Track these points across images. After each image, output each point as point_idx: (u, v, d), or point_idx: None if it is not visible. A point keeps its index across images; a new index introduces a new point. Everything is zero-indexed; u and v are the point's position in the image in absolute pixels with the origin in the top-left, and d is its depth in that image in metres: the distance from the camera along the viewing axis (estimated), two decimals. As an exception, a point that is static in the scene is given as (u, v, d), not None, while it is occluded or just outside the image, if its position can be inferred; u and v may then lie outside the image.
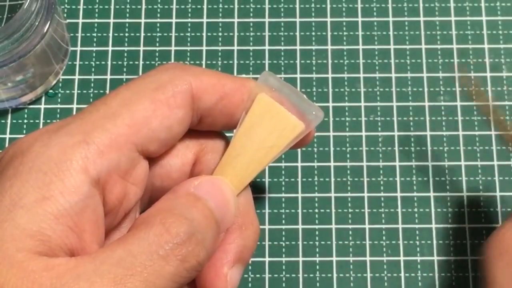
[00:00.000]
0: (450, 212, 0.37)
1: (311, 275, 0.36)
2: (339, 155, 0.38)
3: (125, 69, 0.40)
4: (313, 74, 0.40)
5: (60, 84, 0.40)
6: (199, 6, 0.41)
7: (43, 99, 0.39)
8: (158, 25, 0.41)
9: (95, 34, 0.41)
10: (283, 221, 0.37)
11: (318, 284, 0.36)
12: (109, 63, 0.40)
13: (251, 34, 0.41)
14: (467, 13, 0.41)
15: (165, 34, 0.41)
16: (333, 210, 0.37)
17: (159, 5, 0.41)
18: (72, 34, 0.41)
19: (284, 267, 0.37)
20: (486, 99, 0.27)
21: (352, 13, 0.41)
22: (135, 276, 0.22)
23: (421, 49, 0.40)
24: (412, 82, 0.40)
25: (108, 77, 0.40)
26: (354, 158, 0.38)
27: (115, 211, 0.26)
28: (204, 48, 0.40)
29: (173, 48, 0.40)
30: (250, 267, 0.36)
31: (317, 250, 0.37)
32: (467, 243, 0.37)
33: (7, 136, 0.39)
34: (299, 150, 0.38)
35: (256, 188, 0.38)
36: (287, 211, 0.37)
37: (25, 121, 0.39)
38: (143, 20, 0.41)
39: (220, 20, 0.41)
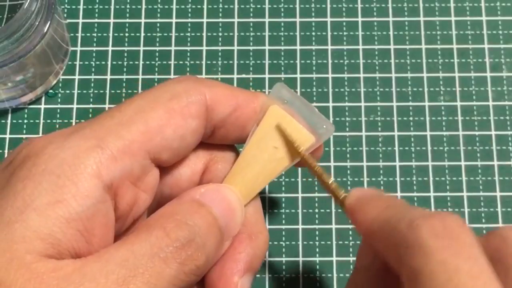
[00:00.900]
0: (450, 212, 0.37)
1: (311, 275, 0.36)
2: (339, 155, 0.38)
3: (125, 69, 0.40)
4: (313, 74, 0.40)
5: (60, 84, 0.40)
6: (199, 6, 0.41)
7: (43, 99, 0.39)
8: (158, 25, 0.41)
9: (95, 34, 0.41)
10: (283, 221, 0.37)
11: (318, 284, 0.36)
12: (109, 63, 0.40)
13: (251, 34, 0.41)
14: (467, 13, 0.41)
15: (165, 34, 0.41)
16: (333, 210, 0.37)
17: (159, 5, 0.41)
18: (72, 34, 0.41)
19: (284, 266, 0.37)
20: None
21: (352, 13, 0.41)
22: (138, 277, 0.23)
23: (421, 49, 0.40)
24: (412, 82, 0.40)
25: (108, 77, 0.40)
26: (354, 158, 0.38)
27: (124, 217, 0.26)
28: (204, 48, 0.40)
29: (173, 48, 0.40)
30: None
31: (317, 250, 0.37)
32: (467, 243, 0.37)
33: (7, 136, 0.39)
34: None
35: (256, 188, 0.38)
36: (287, 211, 0.37)
37: (25, 121, 0.39)
38: (143, 20, 0.41)
39: (220, 20, 0.41)
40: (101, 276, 0.22)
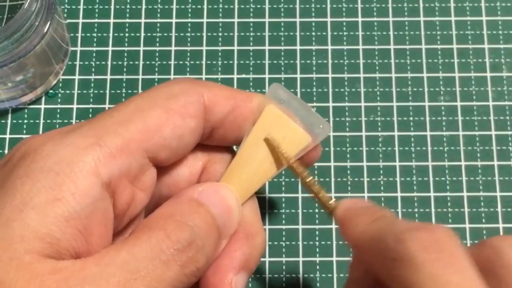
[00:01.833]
0: (449, 212, 0.37)
1: (311, 275, 0.36)
2: (339, 155, 0.38)
3: (125, 69, 0.40)
4: (313, 74, 0.40)
5: (60, 84, 0.40)
6: (199, 6, 0.41)
7: (43, 99, 0.39)
8: (158, 25, 0.41)
9: (95, 34, 0.41)
10: (283, 221, 0.37)
11: (318, 284, 0.36)
12: (109, 63, 0.40)
13: (251, 34, 0.41)
14: (467, 13, 0.41)
15: (165, 34, 0.41)
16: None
17: (159, 5, 0.41)
18: (72, 34, 0.41)
19: (284, 267, 0.37)
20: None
21: (352, 13, 0.41)
22: (139, 280, 0.23)
23: (421, 49, 0.40)
24: (412, 82, 0.40)
25: (108, 77, 0.40)
26: (354, 158, 0.38)
27: (121, 216, 0.26)
28: (204, 48, 0.40)
29: (173, 48, 0.40)
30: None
31: (317, 250, 0.37)
32: (467, 243, 0.37)
33: (7, 136, 0.39)
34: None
35: (256, 188, 0.38)
36: (287, 211, 0.37)
37: (25, 121, 0.39)
38: (143, 20, 0.41)
39: (220, 20, 0.41)
40: (101, 279, 0.22)
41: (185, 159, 0.29)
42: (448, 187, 0.38)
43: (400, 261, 0.22)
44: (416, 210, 0.37)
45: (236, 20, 0.41)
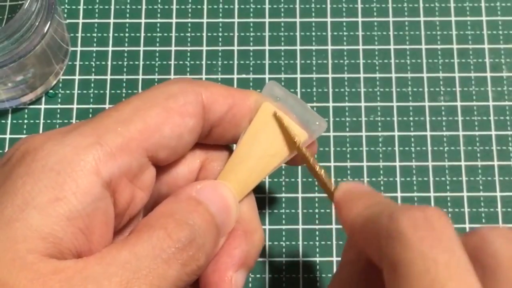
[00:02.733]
0: (450, 212, 0.37)
1: (311, 275, 0.36)
2: (339, 155, 0.38)
3: (125, 69, 0.40)
4: (313, 74, 0.40)
5: (60, 84, 0.40)
6: (199, 6, 0.41)
7: (43, 99, 0.39)
8: (158, 25, 0.41)
9: (95, 34, 0.41)
10: (283, 221, 0.37)
11: (318, 284, 0.36)
12: (109, 63, 0.40)
13: (251, 34, 0.41)
14: (467, 13, 0.41)
15: (165, 34, 0.41)
16: (333, 210, 0.37)
17: (159, 5, 0.41)
18: (72, 34, 0.41)
19: (284, 267, 0.37)
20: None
21: (352, 13, 0.41)
22: (141, 280, 0.23)
23: (421, 49, 0.40)
24: (412, 82, 0.40)
25: (108, 77, 0.40)
26: (354, 158, 0.38)
27: (121, 214, 0.26)
28: (204, 48, 0.40)
29: (173, 48, 0.40)
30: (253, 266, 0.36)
31: (317, 250, 0.37)
32: (467, 243, 0.37)
33: (7, 136, 0.39)
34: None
35: (256, 188, 0.38)
36: (287, 211, 0.37)
37: (25, 121, 0.39)
38: (143, 20, 0.41)
39: (220, 20, 0.41)
40: (104, 278, 0.22)
41: (184, 157, 0.29)
42: (448, 187, 0.38)
43: (391, 238, 0.22)
44: (416, 210, 0.37)
45: (236, 20, 0.41)
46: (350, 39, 0.41)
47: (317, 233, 0.37)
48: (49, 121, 0.39)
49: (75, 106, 0.39)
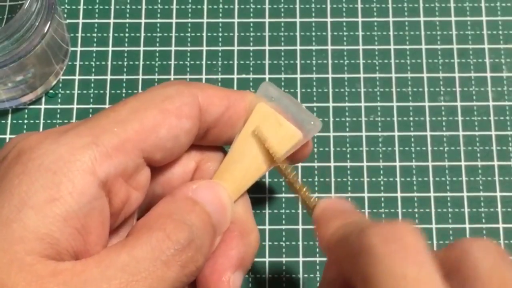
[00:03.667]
0: (449, 212, 0.37)
1: (311, 275, 0.36)
2: (339, 155, 0.38)
3: (125, 69, 0.40)
4: (313, 74, 0.40)
5: (60, 85, 0.40)
6: (199, 6, 0.41)
7: (43, 99, 0.39)
8: (158, 25, 0.41)
9: (95, 34, 0.41)
10: (283, 221, 0.37)
11: (318, 284, 0.36)
12: (109, 63, 0.40)
13: (251, 34, 0.41)
14: (467, 13, 0.41)
15: (165, 34, 0.41)
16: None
17: (159, 5, 0.41)
18: (72, 34, 0.41)
19: (284, 267, 0.37)
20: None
21: (352, 13, 0.41)
22: (140, 282, 0.23)
23: (421, 49, 0.40)
24: (412, 82, 0.40)
25: (108, 77, 0.40)
26: (354, 158, 0.38)
27: (117, 214, 0.26)
28: (204, 48, 0.40)
29: (173, 48, 0.40)
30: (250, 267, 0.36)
31: (317, 250, 0.37)
32: (467, 243, 0.37)
33: (7, 136, 0.39)
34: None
35: (256, 188, 0.38)
36: (287, 211, 0.37)
37: (25, 121, 0.39)
38: (143, 20, 0.41)
39: (220, 20, 0.41)
40: (102, 281, 0.22)
41: (179, 158, 0.29)
42: (448, 187, 0.38)
43: (361, 254, 0.22)
44: (416, 210, 0.37)
45: (236, 20, 0.41)
46: (350, 39, 0.41)
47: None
48: (49, 121, 0.39)
49: (75, 106, 0.39)
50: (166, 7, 0.41)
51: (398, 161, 0.38)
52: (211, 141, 0.29)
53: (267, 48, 0.40)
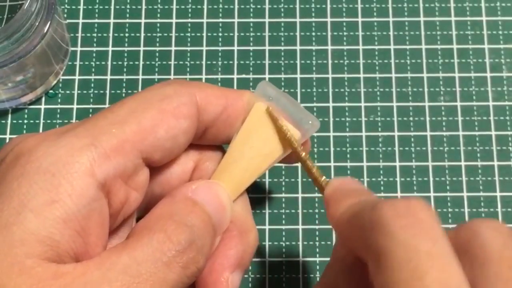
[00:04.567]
0: (450, 212, 0.37)
1: (311, 275, 0.36)
2: (339, 155, 0.38)
3: (125, 70, 0.40)
4: (313, 74, 0.40)
5: (60, 85, 0.40)
6: (199, 6, 0.41)
7: (43, 99, 0.39)
8: (158, 25, 0.41)
9: (95, 35, 0.41)
10: (283, 221, 0.37)
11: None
12: (109, 63, 0.40)
13: (251, 34, 0.41)
14: (467, 13, 0.41)
15: (165, 34, 0.41)
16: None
17: (159, 5, 0.41)
18: (72, 34, 0.41)
19: (284, 267, 0.37)
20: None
21: (352, 13, 0.41)
22: (142, 284, 0.23)
23: (421, 49, 0.40)
24: (412, 82, 0.40)
25: (108, 77, 0.40)
26: (354, 158, 0.38)
27: (116, 215, 0.26)
28: (204, 48, 0.40)
29: (173, 48, 0.40)
30: (250, 267, 0.36)
31: (317, 250, 0.37)
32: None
33: (7, 136, 0.39)
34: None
35: (256, 188, 0.38)
36: (287, 211, 0.37)
37: (25, 121, 0.39)
38: (143, 20, 0.41)
39: (220, 20, 0.41)
40: (104, 283, 0.22)
41: (178, 158, 0.29)
42: (448, 187, 0.38)
43: (374, 228, 0.22)
44: (416, 210, 0.37)
45: (236, 20, 0.41)
46: (350, 39, 0.41)
47: (317, 233, 0.37)
48: (49, 121, 0.39)
49: (75, 106, 0.39)
50: (166, 7, 0.41)
51: (398, 161, 0.38)
52: (210, 141, 0.29)
53: (267, 48, 0.40)
